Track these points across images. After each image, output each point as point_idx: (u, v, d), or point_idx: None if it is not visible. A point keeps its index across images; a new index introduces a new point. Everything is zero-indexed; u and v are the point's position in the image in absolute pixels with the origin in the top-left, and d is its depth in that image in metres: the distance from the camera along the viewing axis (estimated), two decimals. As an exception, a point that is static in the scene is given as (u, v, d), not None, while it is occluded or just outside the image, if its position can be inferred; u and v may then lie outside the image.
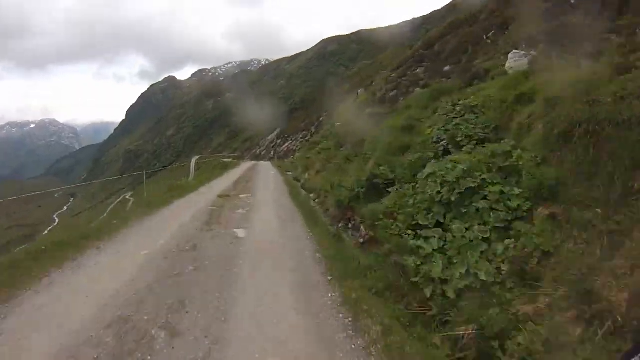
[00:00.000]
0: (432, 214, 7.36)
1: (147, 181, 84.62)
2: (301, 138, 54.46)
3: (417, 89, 21.74)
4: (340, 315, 5.09)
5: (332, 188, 12.34)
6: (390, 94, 24.25)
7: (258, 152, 69.98)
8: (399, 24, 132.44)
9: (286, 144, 58.21)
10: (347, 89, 61.93)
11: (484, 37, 21.08)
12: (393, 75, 28.02)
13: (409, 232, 7.24)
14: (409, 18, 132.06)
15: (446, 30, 27.09)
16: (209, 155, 63.88)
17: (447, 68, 21.48)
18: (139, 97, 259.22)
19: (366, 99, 27.45)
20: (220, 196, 14.16)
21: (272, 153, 61.34)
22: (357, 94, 37.89)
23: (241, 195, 14.52)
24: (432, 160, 9.48)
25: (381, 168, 11.02)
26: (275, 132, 70.13)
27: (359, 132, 21.09)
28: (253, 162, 46.17)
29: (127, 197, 39.91)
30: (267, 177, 23.20)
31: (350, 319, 4.97)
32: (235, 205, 12.19)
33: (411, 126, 13.96)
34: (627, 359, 2.00)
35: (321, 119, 49.57)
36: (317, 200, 14.61)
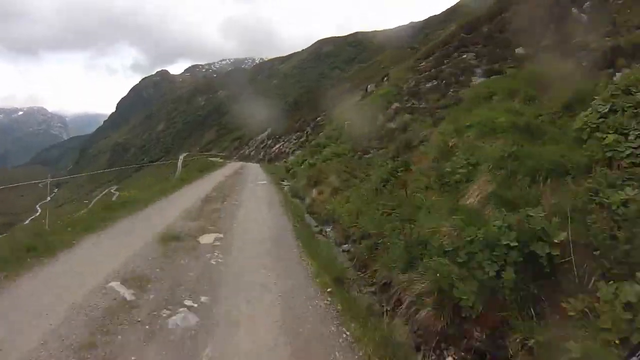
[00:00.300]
0: None
1: (134, 175, 77.52)
2: (295, 139, 47.48)
3: (475, 77, 15.15)
4: None
5: (408, 247, 5.32)
6: (428, 85, 17.52)
7: (247, 152, 62.61)
8: (396, 27, 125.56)
9: (277, 145, 51.05)
10: (348, 87, 55.27)
11: (573, 10, 14.47)
12: (423, 64, 21.27)
13: None
14: (406, 23, 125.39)
15: (493, 12, 20.44)
16: (197, 153, 56.67)
17: (520, 50, 14.86)
18: (131, 89, 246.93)
19: (387, 93, 20.57)
20: (163, 238, 7.00)
21: (261, 154, 54.14)
22: (366, 89, 31.05)
23: (202, 239, 7.29)
24: None
25: (531, 214, 4.20)
26: (266, 132, 62.69)
27: (392, 133, 14.20)
28: (240, 164, 39.09)
29: (112, 190, 34.51)
30: (255, 189, 15.82)
31: None
32: (175, 284, 4.96)
33: (531, 126, 7.26)
34: (629, 358, 1.82)
35: (318, 119, 42.53)
36: (346, 250, 7.74)
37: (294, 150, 42.70)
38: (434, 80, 17.34)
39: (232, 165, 34.41)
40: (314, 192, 12.37)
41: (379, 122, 16.86)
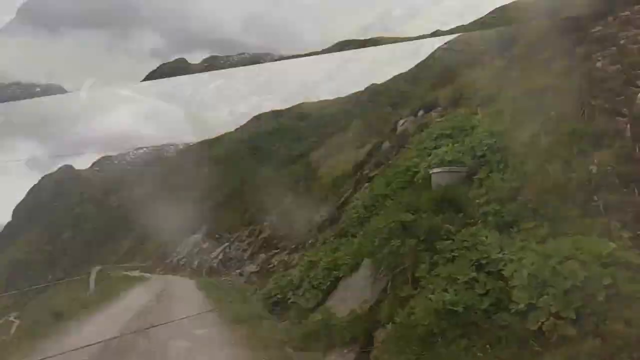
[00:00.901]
0: None
1: (37, 298, 56.78)
2: (247, 237, 32.57)
3: None
4: None
5: None
6: None
7: (176, 260, 46.28)
8: (348, 96, 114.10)
9: (220, 249, 35.79)
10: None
11: None
12: None
13: None
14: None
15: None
16: (114, 266, 45.36)
17: None
18: (28, 192, 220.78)
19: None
20: None
21: (196, 262, 38.62)
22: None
23: None
24: None
25: None
26: (201, 232, 46.87)
27: None
28: (162, 284, 23.16)
29: (11, 319, 20.40)
30: None
31: None
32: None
33: None
34: None
35: (289, 202, 27.91)
36: None
37: (251, 253, 27.41)
38: None
39: (143, 295, 18.33)
40: None
41: None
